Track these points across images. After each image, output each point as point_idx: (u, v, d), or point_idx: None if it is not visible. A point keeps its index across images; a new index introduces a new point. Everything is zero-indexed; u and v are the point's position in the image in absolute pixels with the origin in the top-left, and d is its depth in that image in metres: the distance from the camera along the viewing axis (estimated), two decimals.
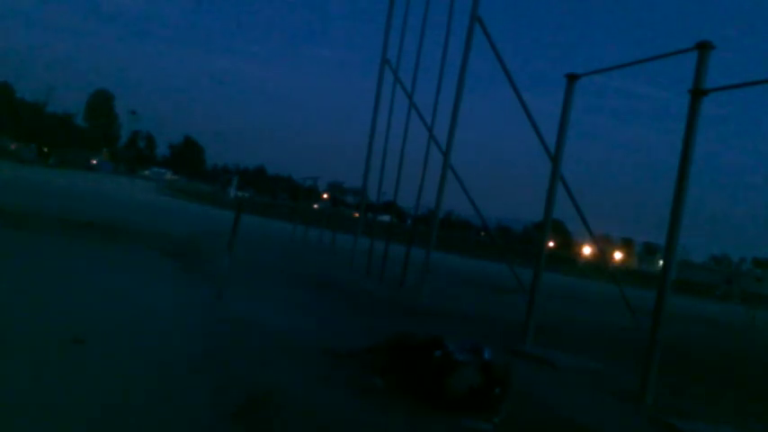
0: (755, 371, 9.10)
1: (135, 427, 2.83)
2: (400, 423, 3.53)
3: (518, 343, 6.63)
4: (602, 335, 10.06)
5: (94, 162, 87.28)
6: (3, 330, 3.92)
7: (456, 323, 7.72)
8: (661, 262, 6.42)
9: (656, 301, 5.17)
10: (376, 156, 13.55)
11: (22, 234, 8.70)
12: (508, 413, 3.80)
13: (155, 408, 3.08)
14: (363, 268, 12.16)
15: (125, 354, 3.90)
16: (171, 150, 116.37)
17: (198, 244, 12.52)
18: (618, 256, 70.37)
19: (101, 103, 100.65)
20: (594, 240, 12.86)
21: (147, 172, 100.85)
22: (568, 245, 77.49)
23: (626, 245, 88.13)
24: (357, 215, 18.54)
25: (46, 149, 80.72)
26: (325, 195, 52.18)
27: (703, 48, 5.18)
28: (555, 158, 7.17)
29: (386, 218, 40.55)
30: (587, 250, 64.13)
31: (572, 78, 7.06)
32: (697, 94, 5.17)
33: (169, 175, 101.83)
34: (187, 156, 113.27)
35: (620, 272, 30.86)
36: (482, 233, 67.75)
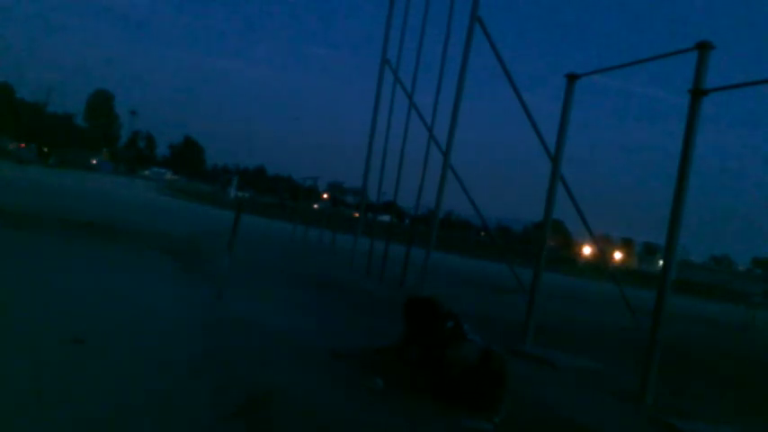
0: (755, 371, 9.10)
1: (135, 427, 2.83)
2: (400, 423, 3.53)
3: (518, 343, 6.63)
4: (602, 335, 10.07)
5: (94, 162, 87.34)
6: (2, 330, 3.92)
7: None
8: (661, 262, 6.42)
9: (656, 301, 5.17)
10: (376, 156, 13.56)
11: (22, 234, 8.70)
12: (508, 412, 3.79)
13: (155, 408, 3.08)
14: (363, 268, 12.16)
15: (125, 354, 3.90)
16: (171, 150, 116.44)
17: (198, 244, 12.52)
18: (618, 256, 70.37)
19: (101, 103, 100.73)
20: (594, 240, 12.86)
21: (147, 172, 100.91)
22: (568, 245, 77.50)
23: (626, 245, 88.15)
24: (357, 215, 18.53)
25: (46, 149, 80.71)
26: (325, 195, 52.15)
27: (703, 48, 5.18)
28: (555, 158, 7.17)
29: (386, 218, 40.58)
30: (587, 250, 64.15)
31: (572, 78, 7.06)
32: (697, 94, 5.17)
33: (169, 175, 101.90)
34: (187, 156, 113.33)
35: (620, 272, 30.86)
36: (482, 233, 67.76)
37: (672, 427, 4.36)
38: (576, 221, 10.56)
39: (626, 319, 10.94)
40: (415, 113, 12.12)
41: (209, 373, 3.82)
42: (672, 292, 5.35)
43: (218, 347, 4.53)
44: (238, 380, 3.74)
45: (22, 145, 73.12)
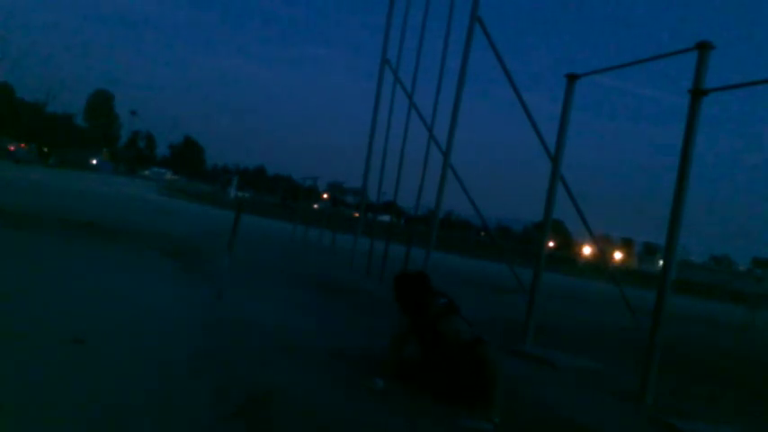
0: (755, 371, 9.10)
1: (135, 427, 2.83)
2: (400, 423, 3.53)
3: (518, 343, 6.63)
4: (602, 335, 10.07)
5: (94, 162, 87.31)
6: (2, 330, 3.92)
7: None
8: (661, 262, 6.42)
9: (656, 301, 5.17)
10: (376, 156, 13.54)
11: (21, 234, 8.70)
12: (505, 408, 3.79)
13: (155, 408, 3.08)
14: (363, 268, 12.16)
15: (125, 354, 3.90)
16: (171, 150, 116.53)
17: (198, 244, 12.52)
18: (618, 256, 70.41)
19: (101, 103, 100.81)
20: (594, 240, 12.85)
21: (147, 172, 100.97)
22: (568, 245, 77.54)
23: (626, 245, 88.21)
24: (357, 215, 18.53)
25: (46, 149, 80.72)
26: (325, 195, 52.14)
27: (703, 48, 5.18)
28: (555, 158, 7.17)
29: (386, 218, 40.59)
30: (587, 250, 64.17)
31: (572, 78, 7.06)
32: (697, 94, 5.17)
33: (169, 175, 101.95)
34: (187, 156, 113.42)
35: (620, 272, 30.86)
36: (482, 233, 67.76)
37: (672, 427, 4.36)
38: (576, 221, 10.55)
39: (626, 319, 10.94)
40: (415, 113, 12.12)
41: (209, 373, 3.82)
42: (672, 292, 5.35)
43: (218, 347, 4.53)
44: (238, 380, 3.74)
45: (23, 145, 73.13)
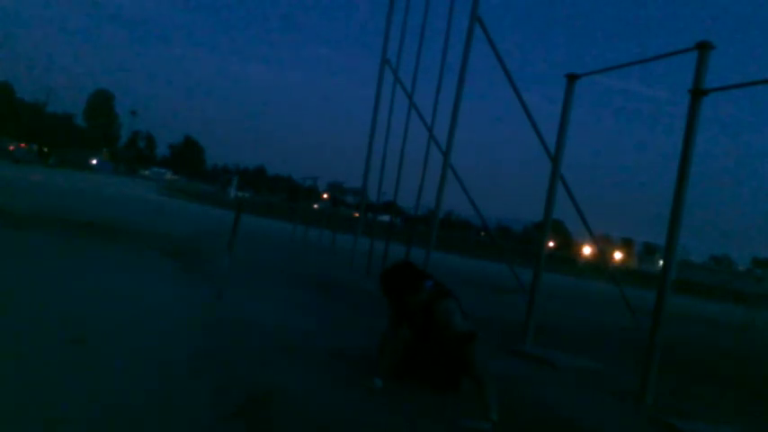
0: (755, 371, 9.11)
1: (135, 427, 2.82)
2: (400, 423, 3.53)
3: (518, 343, 6.63)
4: (602, 335, 10.07)
5: (94, 162, 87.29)
6: (2, 330, 3.92)
7: None
8: (661, 262, 6.42)
9: (655, 301, 5.17)
10: (376, 156, 13.53)
11: (22, 234, 8.70)
12: (505, 409, 3.79)
13: (155, 408, 3.08)
14: (363, 268, 12.16)
15: (125, 354, 3.90)
16: (171, 150, 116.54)
17: (198, 244, 12.53)
18: (618, 256, 70.43)
19: (101, 103, 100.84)
20: (594, 240, 12.85)
21: (147, 172, 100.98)
22: (568, 245, 77.55)
23: (626, 245, 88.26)
24: (357, 215, 18.52)
25: (46, 149, 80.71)
26: (325, 195, 52.16)
27: (703, 48, 5.18)
28: (555, 158, 7.17)
29: (386, 218, 40.59)
30: (587, 250, 64.18)
31: (572, 78, 7.06)
32: (697, 94, 5.17)
33: (169, 175, 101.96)
34: (187, 156, 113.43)
35: (620, 272, 30.86)
36: (482, 233, 67.77)
37: (672, 427, 4.36)
38: (576, 221, 10.56)
39: (626, 319, 10.94)
40: (415, 113, 12.12)
41: (209, 373, 3.82)
42: (672, 292, 5.35)
43: (218, 347, 4.53)
44: (238, 380, 3.74)
45: (22, 145, 73.16)
